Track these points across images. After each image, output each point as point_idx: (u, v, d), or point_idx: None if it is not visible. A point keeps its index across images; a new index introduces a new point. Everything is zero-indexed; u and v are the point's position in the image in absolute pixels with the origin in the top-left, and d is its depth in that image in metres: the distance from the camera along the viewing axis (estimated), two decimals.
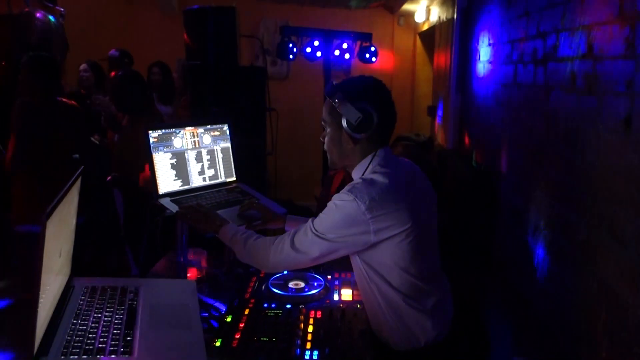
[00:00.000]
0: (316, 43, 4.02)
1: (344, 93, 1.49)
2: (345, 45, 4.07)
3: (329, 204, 1.51)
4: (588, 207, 1.70)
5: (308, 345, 1.47)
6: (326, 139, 1.61)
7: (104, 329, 1.20)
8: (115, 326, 1.21)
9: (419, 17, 5.35)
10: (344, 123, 1.49)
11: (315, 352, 1.44)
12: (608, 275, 1.55)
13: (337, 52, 4.04)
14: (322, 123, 1.61)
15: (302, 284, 1.84)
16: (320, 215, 1.51)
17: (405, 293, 1.52)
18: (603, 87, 1.62)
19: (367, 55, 4.20)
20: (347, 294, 1.81)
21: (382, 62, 5.35)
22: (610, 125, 1.57)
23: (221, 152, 2.08)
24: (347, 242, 1.48)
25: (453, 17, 3.89)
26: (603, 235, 1.58)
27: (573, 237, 1.80)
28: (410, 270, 1.51)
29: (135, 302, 1.35)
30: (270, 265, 1.60)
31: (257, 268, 1.68)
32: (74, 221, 1.40)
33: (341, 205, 1.46)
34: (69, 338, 1.14)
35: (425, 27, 5.33)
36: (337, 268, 2.07)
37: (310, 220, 1.54)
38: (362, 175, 1.54)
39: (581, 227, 1.74)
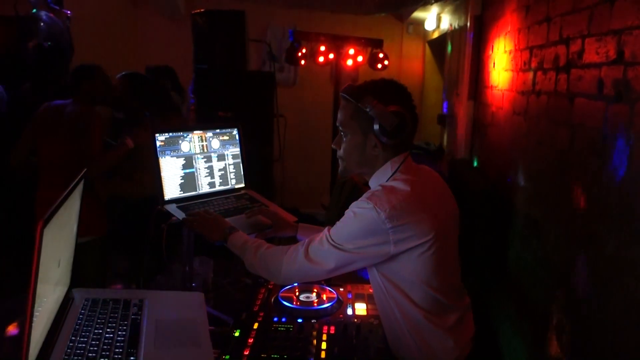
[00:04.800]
0: (324, 48, 3.95)
1: (375, 96, 1.40)
2: (354, 51, 4.01)
3: (347, 212, 1.42)
4: (618, 220, 1.61)
5: None
6: (344, 145, 1.50)
7: (105, 346, 1.11)
8: (118, 344, 1.12)
9: (429, 25, 5.29)
10: (376, 127, 1.40)
11: None
12: None
13: (347, 58, 3.97)
14: (340, 128, 1.51)
15: (314, 297, 1.75)
16: (338, 224, 1.43)
17: (426, 309, 1.43)
18: (636, 93, 1.54)
19: (377, 62, 4.13)
20: (361, 308, 1.72)
21: (390, 70, 5.28)
22: None
23: (230, 158, 2.00)
24: (365, 253, 1.39)
25: (466, 25, 3.82)
26: (637, 250, 1.49)
27: (600, 251, 1.71)
28: (431, 285, 1.42)
29: (139, 317, 1.26)
30: (282, 277, 1.51)
31: (268, 279, 1.59)
32: (75, 228, 1.31)
33: (360, 214, 1.37)
34: (66, 357, 1.04)
35: (436, 35, 5.27)
36: (350, 280, 1.99)
37: (326, 229, 1.45)
38: (385, 182, 1.45)
39: (610, 242, 1.65)
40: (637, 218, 1.50)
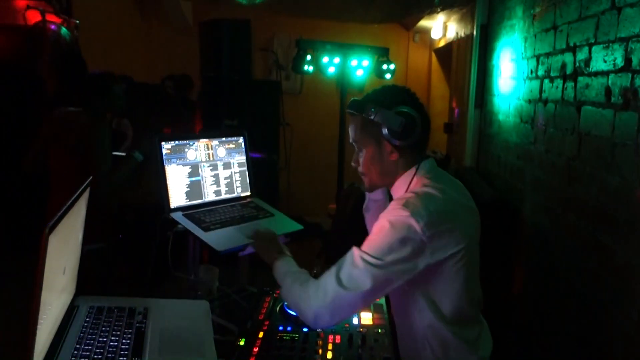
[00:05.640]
0: (327, 59, 3.97)
1: (375, 103, 1.37)
2: (362, 60, 4.02)
3: (380, 223, 1.33)
4: (627, 230, 1.59)
5: None
6: (361, 160, 1.44)
7: (109, 355, 1.10)
8: (122, 352, 1.11)
9: (435, 34, 5.30)
10: (385, 132, 1.36)
11: None
12: None
13: (354, 63, 3.98)
14: (354, 144, 1.45)
15: None
16: (370, 237, 1.33)
17: (453, 321, 1.36)
18: None
19: (385, 71, 4.13)
20: (366, 318, 1.70)
21: (396, 78, 5.29)
22: None
23: (236, 166, 2.00)
24: (404, 265, 1.28)
25: (472, 33, 3.82)
26: None
27: (609, 262, 1.69)
28: (462, 296, 1.36)
29: (143, 325, 1.25)
30: (313, 315, 1.33)
31: (301, 319, 1.40)
32: (80, 235, 1.31)
33: (396, 223, 1.28)
34: None
35: (442, 43, 5.28)
36: None
37: (353, 249, 1.34)
38: (407, 189, 1.39)
39: (619, 252, 1.63)
40: None
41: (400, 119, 1.34)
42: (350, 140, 1.46)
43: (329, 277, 1.32)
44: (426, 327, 1.37)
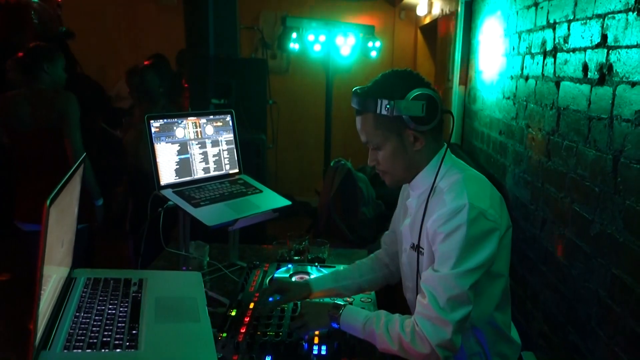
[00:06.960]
0: (312, 36, 3.97)
1: (386, 96, 1.27)
2: (348, 37, 4.03)
3: (457, 234, 1.23)
4: (602, 200, 1.66)
5: (316, 340, 1.44)
6: (382, 158, 1.36)
7: (107, 322, 1.15)
8: (120, 319, 1.17)
9: (421, 11, 5.31)
10: (409, 121, 1.27)
11: (324, 347, 1.41)
12: (623, 270, 1.52)
13: (340, 41, 3.99)
14: (369, 145, 1.37)
15: (307, 277, 1.80)
16: (451, 253, 1.23)
17: (500, 306, 1.38)
18: (618, 77, 1.59)
19: (370, 49, 4.15)
20: None
21: (382, 56, 5.31)
22: (625, 115, 1.53)
23: (224, 143, 2.03)
24: (491, 259, 1.26)
25: (456, 10, 3.85)
26: (618, 228, 1.55)
27: (585, 230, 1.76)
28: (504, 274, 1.38)
29: (139, 295, 1.30)
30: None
31: None
32: (76, 210, 1.35)
33: (473, 224, 1.22)
34: (71, 331, 1.09)
35: (427, 20, 5.29)
36: (343, 261, 2.04)
37: (432, 274, 1.26)
38: (437, 176, 1.33)
39: (594, 221, 1.71)
40: (620, 198, 1.55)
41: (420, 103, 1.26)
42: (364, 140, 1.38)
43: (431, 311, 1.22)
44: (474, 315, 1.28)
